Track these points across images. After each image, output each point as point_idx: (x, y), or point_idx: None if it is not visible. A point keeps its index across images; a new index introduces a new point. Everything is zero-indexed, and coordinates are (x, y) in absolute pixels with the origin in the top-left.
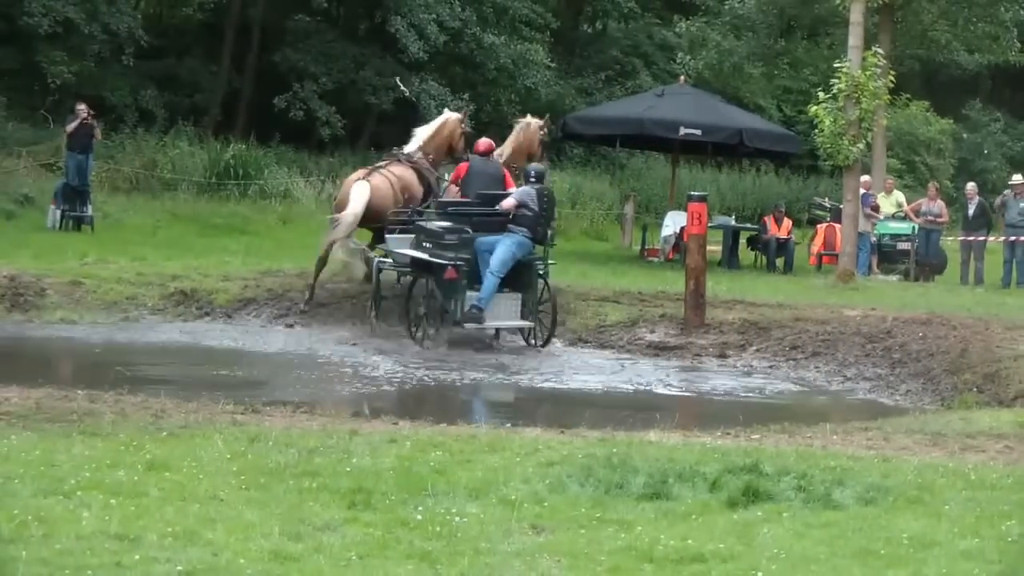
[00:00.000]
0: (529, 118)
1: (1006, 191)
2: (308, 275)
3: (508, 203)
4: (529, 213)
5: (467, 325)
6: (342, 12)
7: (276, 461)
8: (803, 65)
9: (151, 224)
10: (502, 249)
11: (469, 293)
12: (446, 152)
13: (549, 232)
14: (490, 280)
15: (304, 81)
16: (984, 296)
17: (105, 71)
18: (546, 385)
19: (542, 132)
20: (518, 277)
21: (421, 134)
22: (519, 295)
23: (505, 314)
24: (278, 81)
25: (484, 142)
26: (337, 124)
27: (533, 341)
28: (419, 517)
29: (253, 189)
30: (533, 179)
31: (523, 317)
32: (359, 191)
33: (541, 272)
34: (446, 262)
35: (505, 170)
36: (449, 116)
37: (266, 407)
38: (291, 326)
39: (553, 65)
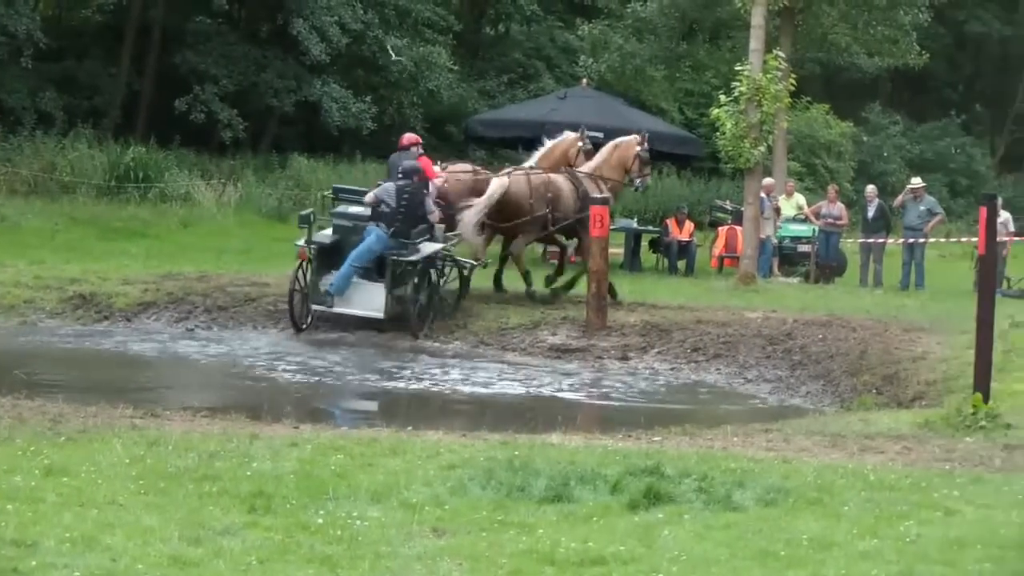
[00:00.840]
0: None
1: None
2: (209, 278)
3: (368, 198)
4: (386, 209)
5: (313, 307)
6: (243, 14)
7: (175, 465)
8: (705, 68)
9: (49, 227)
10: (364, 242)
11: (326, 278)
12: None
13: (419, 228)
14: (345, 268)
15: (205, 83)
16: (883, 298)
17: (3, 73)
18: (446, 388)
19: (639, 147)
20: (382, 270)
21: (538, 153)
22: (381, 286)
23: (361, 303)
24: (179, 83)
25: (407, 137)
26: (238, 127)
27: (421, 334)
28: (320, 521)
29: (153, 192)
30: (400, 176)
31: (389, 309)
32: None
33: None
34: (301, 242)
35: (423, 162)
36: (567, 136)
37: (166, 411)
38: (191, 330)
39: (456, 68)
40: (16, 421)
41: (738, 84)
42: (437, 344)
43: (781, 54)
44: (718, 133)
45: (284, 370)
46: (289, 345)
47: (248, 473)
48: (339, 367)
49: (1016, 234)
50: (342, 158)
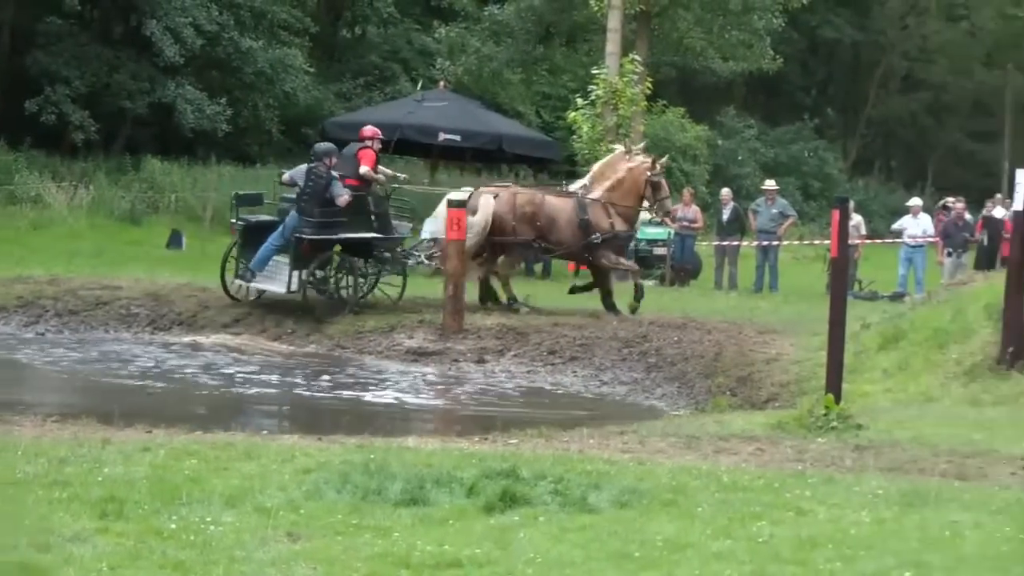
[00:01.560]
0: (633, 157)
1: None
2: (60, 281)
3: (284, 177)
4: (296, 190)
5: (236, 281)
6: (96, 15)
7: (24, 471)
8: (562, 71)
9: None
10: (285, 221)
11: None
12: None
13: (327, 211)
14: (265, 246)
15: (56, 84)
16: (737, 300)
17: None
18: (305, 393)
19: (650, 174)
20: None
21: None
22: (286, 263)
23: (271, 279)
24: (29, 84)
25: (367, 129)
26: (91, 128)
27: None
28: (173, 526)
29: (2, 194)
30: (312, 157)
31: (294, 286)
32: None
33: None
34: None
35: (366, 155)
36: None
37: (15, 416)
38: (42, 334)
39: (312, 70)
40: None
41: (595, 87)
42: (292, 347)
43: (637, 58)
44: (575, 136)
45: (136, 374)
46: (141, 349)
47: (99, 478)
48: (190, 370)
49: (868, 237)
50: (197, 160)
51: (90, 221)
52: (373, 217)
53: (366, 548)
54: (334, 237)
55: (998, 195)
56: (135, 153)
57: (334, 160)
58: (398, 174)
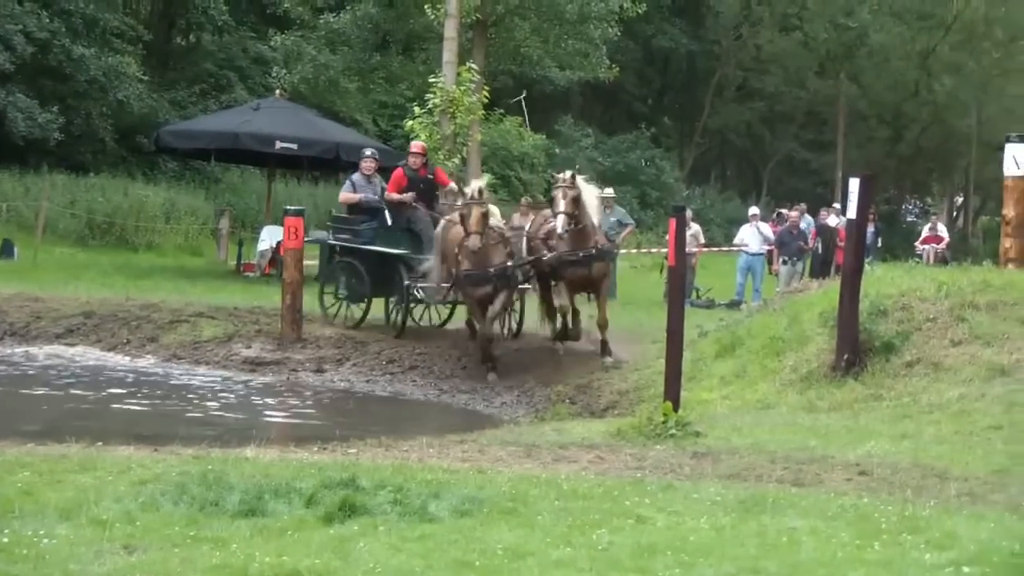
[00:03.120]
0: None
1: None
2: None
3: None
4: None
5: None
6: None
7: None
8: (399, 80)
9: None
10: None
11: None
12: None
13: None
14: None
15: None
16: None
17: None
18: (142, 404)
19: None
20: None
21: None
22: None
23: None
24: None
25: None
26: None
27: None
28: (5, 540)
29: None
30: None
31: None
32: None
33: None
34: None
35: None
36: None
37: None
38: None
39: (146, 78)
40: None
41: (432, 96)
42: (126, 358)
43: (475, 66)
44: None
45: None
46: None
47: None
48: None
49: (705, 245)
50: (29, 169)
51: None
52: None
53: (204, 560)
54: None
55: (836, 205)
56: None
57: None
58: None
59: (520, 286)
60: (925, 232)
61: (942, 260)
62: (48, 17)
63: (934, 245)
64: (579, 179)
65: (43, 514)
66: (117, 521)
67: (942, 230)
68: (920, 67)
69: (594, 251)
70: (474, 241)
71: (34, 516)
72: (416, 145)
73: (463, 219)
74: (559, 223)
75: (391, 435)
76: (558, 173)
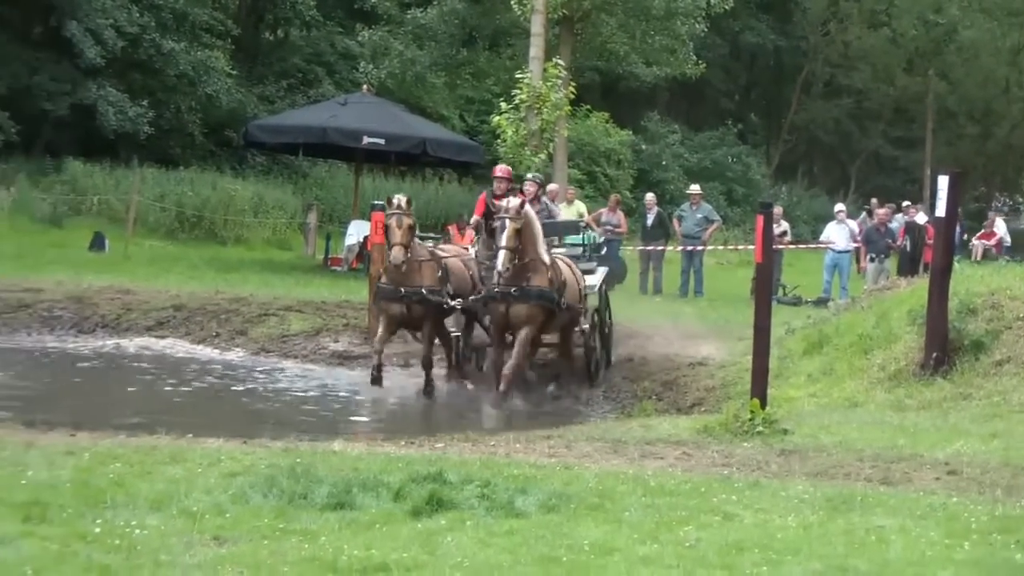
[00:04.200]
0: None
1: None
2: (13, 286)
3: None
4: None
5: None
6: (15, 15)
7: None
8: (485, 75)
9: None
10: None
11: None
12: None
13: None
14: None
15: None
16: (662, 305)
17: None
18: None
19: None
20: None
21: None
22: None
23: None
24: None
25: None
26: (11, 130)
27: None
28: (97, 530)
29: None
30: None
31: None
32: None
33: None
34: None
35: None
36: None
37: None
38: None
39: (235, 73)
40: None
41: (518, 92)
42: (215, 351)
43: (561, 62)
44: (499, 140)
45: (70, 375)
46: (76, 350)
47: (23, 482)
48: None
49: (792, 242)
50: (119, 163)
51: (11, 223)
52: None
53: (293, 552)
54: None
55: (906, 203)
56: (56, 155)
57: None
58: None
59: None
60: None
61: (992, 257)
62: (138, 12)
63: (984, 241)
64: (527, 208)
65: (134, 505)
66: (207, 513)
67: (1000, 227)
68: (1010, 64)
69: (512, 290)
70: (396, 254)
71: (126, 507)
72: (500, 169)
73: (387, 230)
74: (500, 260)
75: (477, 430)
76: (502, 201)
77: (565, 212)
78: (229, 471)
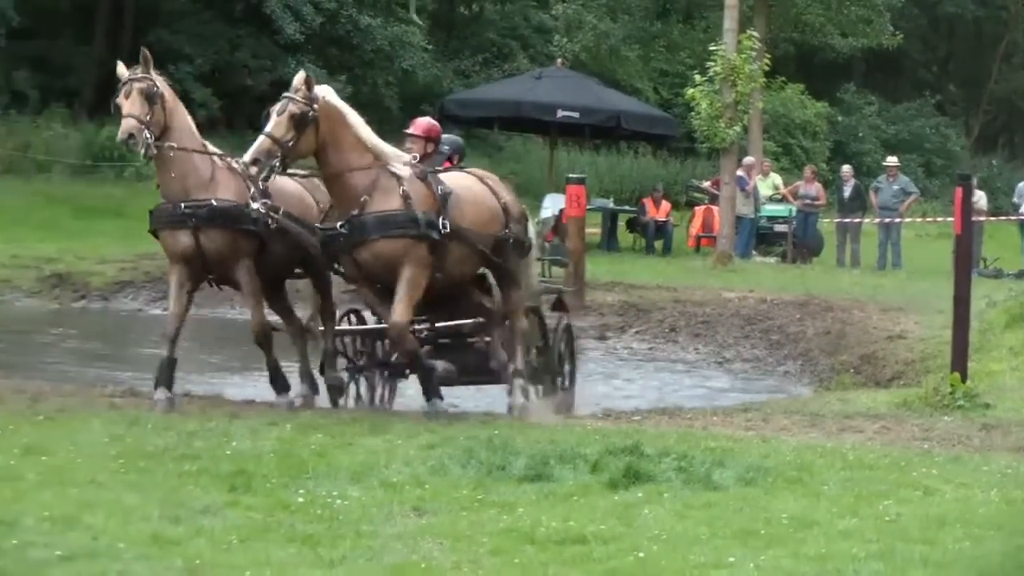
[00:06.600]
0: None
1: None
2: None
3: None
4: None
5: None
6: None
7: (155, 444)
8: (679, 48)
9: (24, 206)
10: None
11: None
12: None
13: None
14: None
15: (179, 62)
16: (860, 278)
17: None
18: None
19: None
20: None
21: None
22: None
23: None
24: (153, 63)
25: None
26: (213, 106)
27: None
28: (300, 500)
29: (129, 171)
30: None
31: None
32: None
33: None
34: None
35: None
36: None
37: (145, 390)
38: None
39: (430, 47)
40: None
41: (713, 64)
42: None
43: (755, 34)
44: (693, 113)
45: None
46: None
47: (228, 452)
48: None
49: (991, 214)
50: None
51: None
52: None
53: (491, 523)
54: None
55: None
56: (257, 130)
57: None
58: None
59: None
60: None
61: None
62: None
63: None
64: (325, 88)
65: (336, 476)
66: (406, 484)
67: None
68: None
69: (354, 220)
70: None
71: (327, 477)
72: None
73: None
74: (247, 155)
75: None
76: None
77: (761, 184)
78: (427, 443)
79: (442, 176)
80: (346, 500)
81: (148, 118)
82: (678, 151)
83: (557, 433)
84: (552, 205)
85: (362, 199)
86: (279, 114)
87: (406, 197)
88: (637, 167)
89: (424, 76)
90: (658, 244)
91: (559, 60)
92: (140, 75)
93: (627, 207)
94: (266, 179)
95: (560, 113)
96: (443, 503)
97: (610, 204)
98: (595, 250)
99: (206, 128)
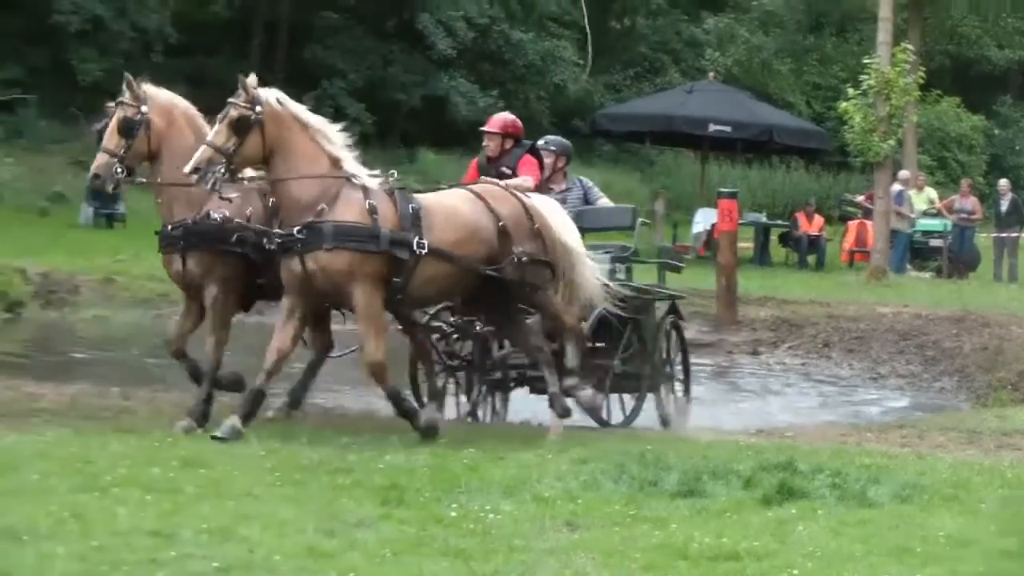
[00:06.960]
0: None
1: None
2: None
3: None
4: None
5: None
6: (370, 9)
7: (310, 458)
8: (832, 61)
9: None
10: None
11: None
12: None
13: None
14: None
15: (333, 78)
16: (1018, 293)
17: (134, 68)
18: None
19: None
20: None
21: None
22: None
23: None
24: (307, 78)
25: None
26: (367, 121)
27: None
28: (453, 514)
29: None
30: None
31: None
32: None
33: None
34: None
35: None
36: None
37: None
38: None
39: (581, 62)
40: (153, 413)
41: (866, 77)
42: None
43: (910, 47)
44: (846, 127)
45: None
46: None
47: (381, 466)
48: None
49: None
50: (469, 152)
51: None
52: None
53: (643, 539)
54: None
55: None
56: (410, 146)
57: None
58: None
59: None
60: None
61: None
62: (488, 3)
63: None
64: (273, 91)
65: (488, 490)
66: (559, 498)
67: None
68: None
69: (313, 225)
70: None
71: (480, 491)
72: (493, 122)
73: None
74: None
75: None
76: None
77: (916, 199)
78: (579, 457)
79: (421, 195)
80: (498, 514)
81: (122, 152)
82: (831, 165)
83: (710, 449)
84: (704, 220)
85: (319, 207)
86: (219, 121)
87: (372, 211)
88: (789, 181)
89: (576, 91)
90: (811, 259)
91: (711, 74)
92: (126, 101)
93: (780, 221)
94: (212, 189)
95: (712, 127)
96: (595, 518)
97: (763, 218)
98: (747, 265)
99: (359, 143)
